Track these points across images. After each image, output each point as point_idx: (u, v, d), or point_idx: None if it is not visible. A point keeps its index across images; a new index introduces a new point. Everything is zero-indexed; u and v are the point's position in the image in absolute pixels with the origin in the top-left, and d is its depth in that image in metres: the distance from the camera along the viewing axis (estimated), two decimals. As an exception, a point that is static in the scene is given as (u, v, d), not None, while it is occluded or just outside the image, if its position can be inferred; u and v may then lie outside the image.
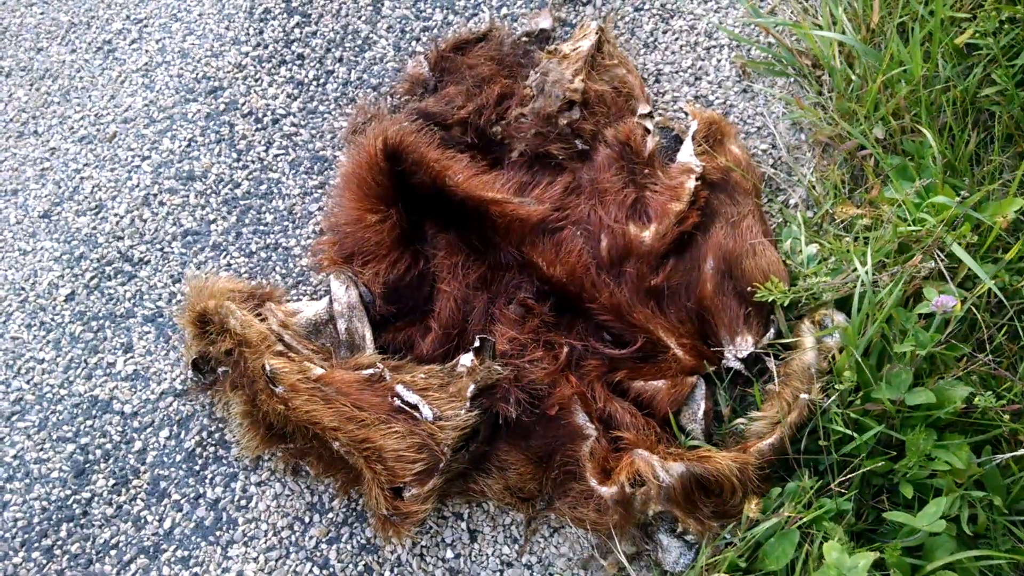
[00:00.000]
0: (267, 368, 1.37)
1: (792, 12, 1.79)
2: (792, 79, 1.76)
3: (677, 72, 1.77)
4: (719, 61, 1.78)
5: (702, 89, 1.76)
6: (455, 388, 1.38)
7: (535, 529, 1.43)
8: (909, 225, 1.45)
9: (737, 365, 1.46)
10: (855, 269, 1.41)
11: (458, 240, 1.54)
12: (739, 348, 1.47)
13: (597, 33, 1.71)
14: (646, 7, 1.84)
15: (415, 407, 1.36)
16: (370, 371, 1.41)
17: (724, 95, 1.75)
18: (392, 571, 1.40)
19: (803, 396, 1.38)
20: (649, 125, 1.64)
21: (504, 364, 1.40)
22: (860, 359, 1.34)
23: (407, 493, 1.32)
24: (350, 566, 1.40)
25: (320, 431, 1.35)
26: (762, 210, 1.60)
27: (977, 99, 1.62)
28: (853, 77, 1.67)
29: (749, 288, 1.48)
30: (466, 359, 1.38)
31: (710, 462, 1.34)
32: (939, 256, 1.34)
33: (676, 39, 1.81)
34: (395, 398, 1.37)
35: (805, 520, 1.30)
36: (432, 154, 1.52)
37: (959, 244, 1.37)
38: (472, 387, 1.37)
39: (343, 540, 1.42)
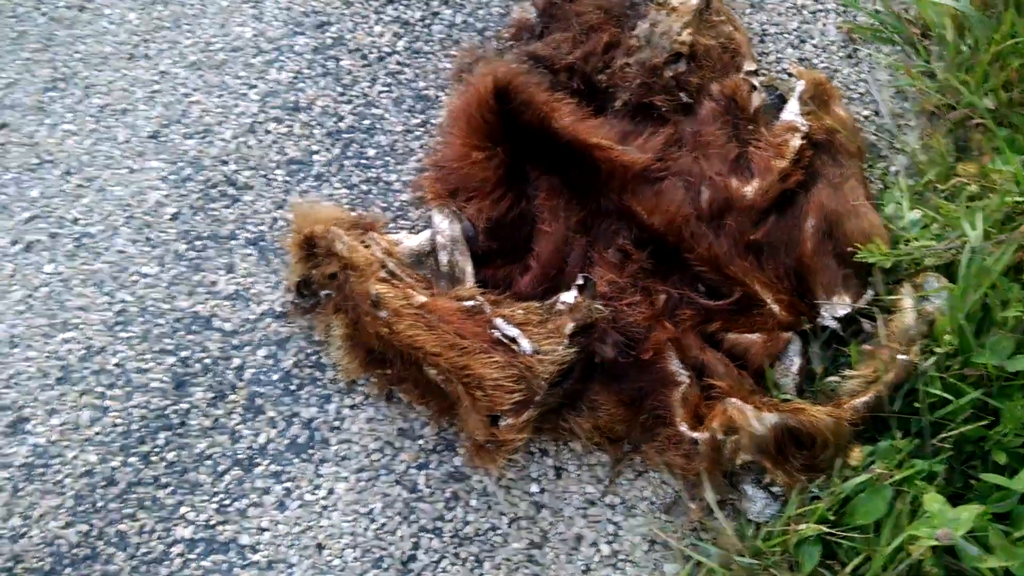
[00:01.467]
0: (372, 292, 1.40)
1: (902, -20, 1.78)
2: (899, 47, 1.74)
3: (782, 33, 1.77)
4: (824, 25, 1.77)
5: (807, 52, 1.75)
6: (554, 325, 1.40)
7: (620, 471, 1.45)
8: (1018, 196, 1.44)
9: (833, 324, 1.47)
10: (961, 235, 1.41)
11: (559, 183, 1.55)
12: (836, 307, 1.47)
13: (706, -12, 1.71)
14: (754, -33, 1.84)
15: (514, 340, 1.38)
16: (470, 303, 1.43)
17: (829, 59, 1.74)
18: (478, 499, 1.43)
19: (901, 357, 1.38)
20: (755, 82, 1.64)
21: (603, 305, 1.41)
22: (964, 323, 1.34)
23: (503, 422, 1.35)
24: (437, 492, 1.43)
25: (421, 356, 1.38)
26: (864, 174, 1.59)
27: (1090, 76, 1.60)
28: (963, 47, 1.65)
29: (850, 249, 1.48)
30: (568, 296, 1.40)
31: (805, 415, 1.35)
32: (1055, 223, 1.33)
33: (782, 1, 1.80)
34: (494, 330, 1.40)
35: (897, 478, 1.31)
36: (541, 96, 1.53)
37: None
38: (571, 324, 1.39)
39: (432, 467, 1.45)
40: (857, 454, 1.29)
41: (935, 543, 1.12)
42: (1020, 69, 1.59)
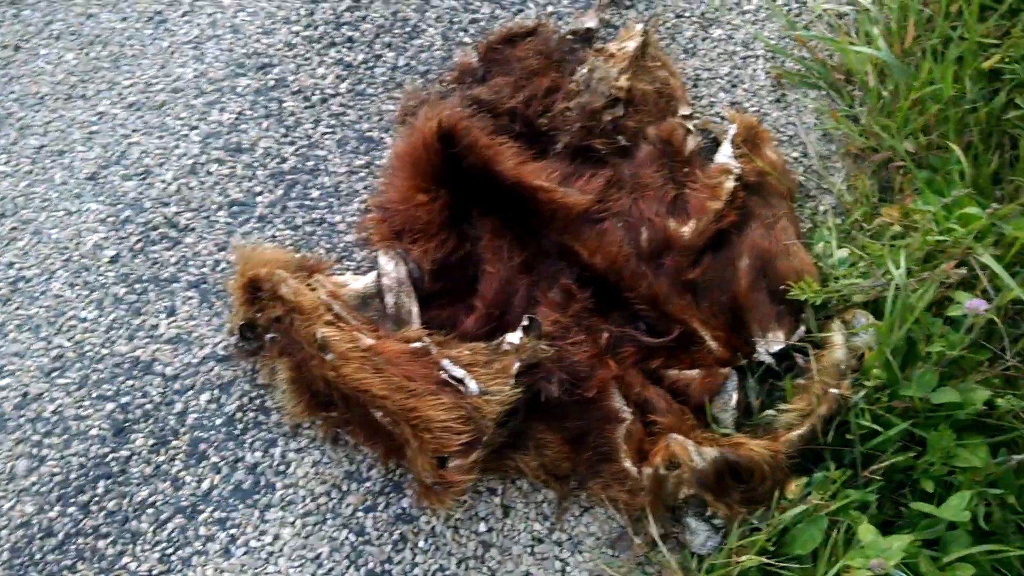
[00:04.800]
0: (319, 336, 1.40)
1: (827, 26, 1.87)
2: (824, 92, 1.83)
3: (714, 78, 1.84)
4: (755, 70, 1.85)
5: (738, 96, 1.82)
6: (500, 365, 1.42)
7: (566, 508, 1.47)
8: (938, 235, 1.52)
9: (768, 359, 1.52)
10: (886, 273, 1.47)
11: (503, 225, 1.58)
12: (771, 343, 1.53)
13: (642, 35, 1.77)
14: (687, 15, 1.91)
15: (461, 381, 1.40)
16: (417, 344, 1.44)
17: (759, 103, 1.81)
18: (426, 541, 1.43)
19: (833, 391, 1.44)
20: (690, 126, 1.70)
21: (548, 345, 1.44)
22: (890, 357, 1.40)
23: (451, 463, 1.36)
24: (385, 535, 1.43)
25: (369, 399, 1.38)
26: (795, 214, 1.66)
27: (1001, 121, 1.70)
28: (884, 93, 1.74)
29: (782, 287, 1.54)
30: (514, 337, 1.42)
31: (743, 449, 1.39)
32: (976, 263, 1.41)
33: (714, 47, 1.87)
34: (441, 371, 1.41)
35: (832, 509, 1.35)
36: (484, 139, 1.56)
37: (988, 254, 1.44)
38: (517, 364, 1.41)
39: (379, 509, 1.45)
40: (793, 487, 1.34)
41: (870, 573, 1.17)
42: (938, 114, 1.68)
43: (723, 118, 1.79)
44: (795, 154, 1.77)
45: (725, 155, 1.66)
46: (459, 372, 1.40)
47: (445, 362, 1.42)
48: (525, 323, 1.43)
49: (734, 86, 1.83)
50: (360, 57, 1.85)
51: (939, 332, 1.41)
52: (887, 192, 1.69)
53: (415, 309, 1.50)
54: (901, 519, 1.41)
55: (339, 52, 1.85)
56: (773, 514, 1.38)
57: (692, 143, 1.67)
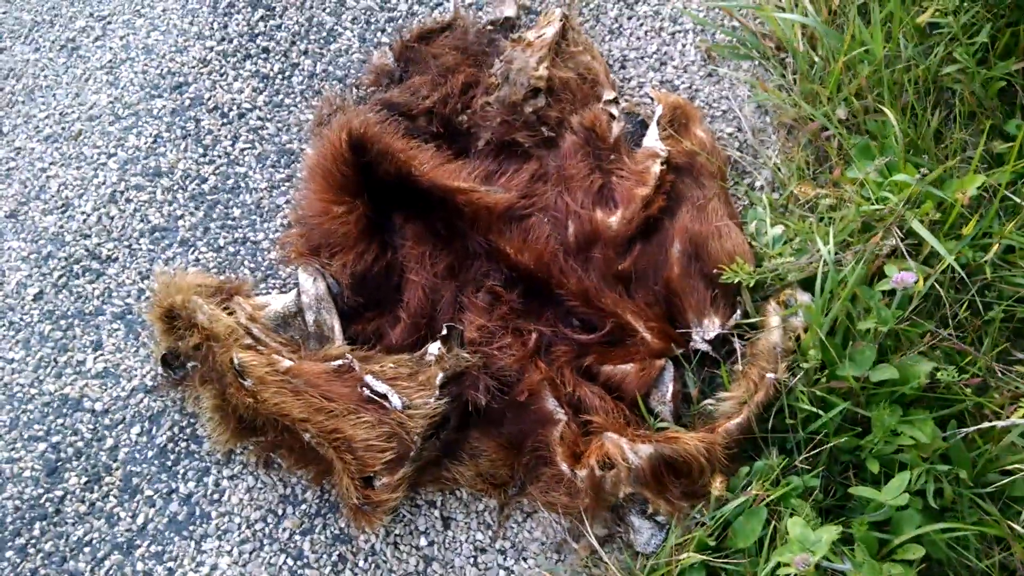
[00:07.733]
0: (235, 361, 1.37)
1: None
2: (756, 62, 1.76)
3: (642, 58, 1.78)
4: (684, 46, 1.79)
5: (668, 74, 1.76)
6: (424, 377, 1.39)
7: (508, 515, 1.44)
8: (872, 204, 1.46)
9: (705, 347, 1.47)
10: (819, 249, 1.42)
11: (425, 229, 1.54)
12: (706, 330, 1.48)
13: (561, 20, 1.71)
14: (611, -7, 1.85)
15: (384, 396, 1.36)
16: (339, 362, 1.41)
17: (690, 79, 1.75)
18: (366, 560, 1.41)
19: (769, 376, 1.39)
20: (614, 111, 1.64)
21: (473, 351, 1.40)
22: (824, 338, 1.35)
23: (378, 482, 1.33)
24: (324, 556, 1.41)
25: (290, 423, 1.35)
26: (727, 193, 1.61)
27: (939, 77, 1.63)
28: (816, 59, 1.68)
29: (715, 270, 1.49)
30: (434, 348, 1.39)
31: (678, 443, 1.35)
32: (898, 234, 1.35)
33: (641, 25, 1.81)
34: (364, 388, 1.38)
35: (773, 497, 1.31)
36: (397, 144, 1.52)
37: (920, 221, 1.38)
38: (441, 375, 1.37)
39: (317, 531, 1.42)
40: (720, 483, 1.29)
41: (795, 571, 1.13)
42: (870, 76, 1.62)
43: (651, 99, 1.73)
44: (729, 129, 1.71)
45: (652, 138, 1.61)
46: (383, 387, 1.37)
47: (368, 378, 1.38)
48: (443, 332, 1.39)
49: (663, 64, 1.77)
50: (276, 67, 1.80)
51: (875, 307, 1.36)
52: (823, 162, 1.63)
53: (337, 325, 1.47)
54: (851, 501, 1.36)
55: (255, 64, 1.81)
56: (707, 509, 1.34)
57: (617, 129, 1.62)
